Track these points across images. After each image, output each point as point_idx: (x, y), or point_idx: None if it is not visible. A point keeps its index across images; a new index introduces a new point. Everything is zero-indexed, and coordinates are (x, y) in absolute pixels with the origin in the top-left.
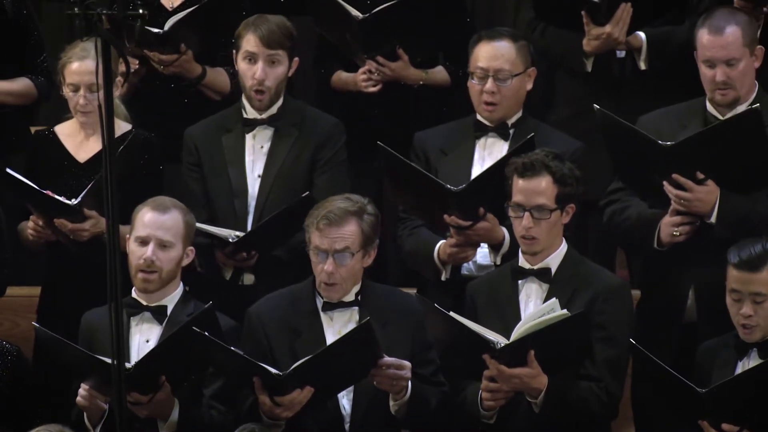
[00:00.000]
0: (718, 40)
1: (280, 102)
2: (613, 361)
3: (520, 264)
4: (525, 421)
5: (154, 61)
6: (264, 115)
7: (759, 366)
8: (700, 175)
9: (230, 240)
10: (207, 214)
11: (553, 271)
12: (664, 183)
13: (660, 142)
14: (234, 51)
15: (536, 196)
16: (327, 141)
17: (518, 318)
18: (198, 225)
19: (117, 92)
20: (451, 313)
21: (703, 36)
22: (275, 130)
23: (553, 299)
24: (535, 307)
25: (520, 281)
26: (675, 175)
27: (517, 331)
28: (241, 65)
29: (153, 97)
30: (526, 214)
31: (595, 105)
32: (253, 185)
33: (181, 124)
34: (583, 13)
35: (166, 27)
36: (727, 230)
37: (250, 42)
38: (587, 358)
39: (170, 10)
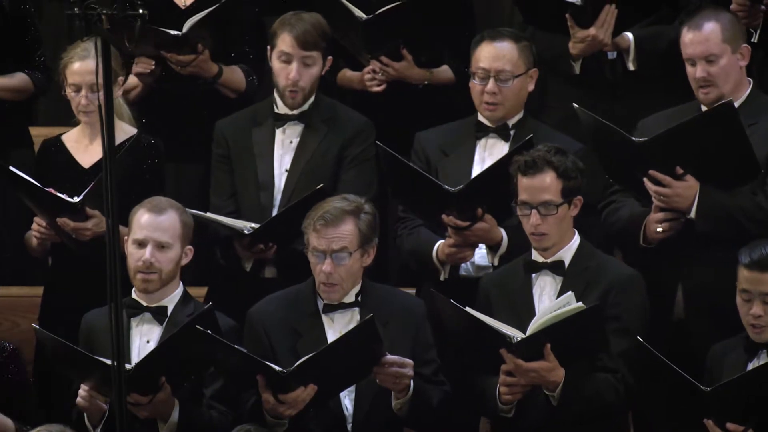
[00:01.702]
0: (697, 36)
1: (312, 99)
2: (628, 352)
3: (533, 258)
4: (543, 414)
5: (171, 62)
6: (295, 111)
7: (765, 365)
8: (680, 171)
9: (245, 232)
10: (234, 205)
11: (566, 263)
12: (644, 179)
13: (633, 138)
14: (269, 48)
15: (541, 192)
16: (355, 138)
17: (532, 311)
18: (213, 216)
19: (119, 92)
20: (467, 308)
21: (685, 35)
22: (305, 126)
23: (569, 293)
24: (548, 300)
25: (533, 275)
26: (652, 171)
27: (533, 325)
28: (276, 64)
29: (168, 97)
30: (534, 211)
31: (574, 104)
32: (280, 179)
33: (196, 124)
34: (567, 16)
35: (185, 29)
36: (707, 225)
37: (285, 42)
38: (604, 351)
39: (183, 8)
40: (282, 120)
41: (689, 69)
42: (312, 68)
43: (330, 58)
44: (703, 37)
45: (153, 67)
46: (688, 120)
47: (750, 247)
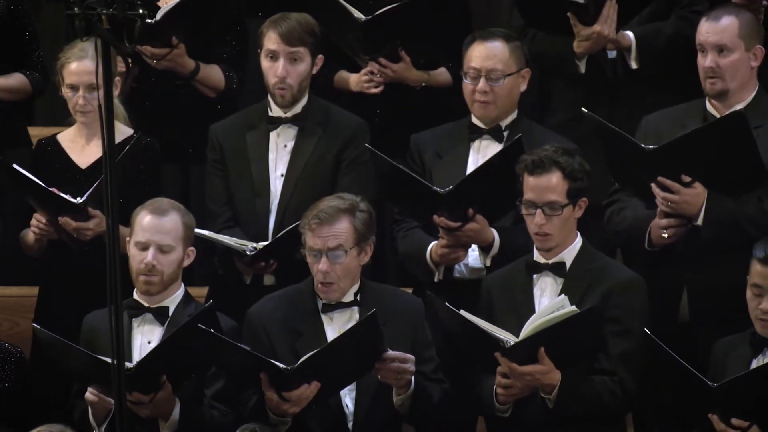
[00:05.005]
0: (713, 26)
1: (304, 101)
2: (627, 355)
3: (534, 258)
4: (540, 414)
5: (146, 56)
6: (288, 114)
7: None
8: (686, 178)
9: (247, 252)
10: (230, 212)
11: (568, 265)
12: (652, 185)
13: (643, 145)
14: (259, 51)
15: (547, 192)
16: (351, 141)
17: (532, 312)
18: (214, 236)
19: (116, 92)
20: (462, 312)
21: (702, 24)
22: (299, 129)
23: (562, 296)
24: (549, 301)
25: (534, 275)
26: (661, 178)
27: (527, 329)
28: (264, 63)
29: (147, 97)
30: (538, 211)
31: (583, 108)
32: (276, 184)
33: (177, 123)
34: (569, 15)
35: (158, 16)
36: (713, 232)
37: (271, 39)
38: (600, 352)
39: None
40: (275, 123)
41: (700, 58)
42: (299, 65)
43: (321, 57)
44: (719, 28)
45: (131, 65)
46: (698, 129)
47: (765, 242)
